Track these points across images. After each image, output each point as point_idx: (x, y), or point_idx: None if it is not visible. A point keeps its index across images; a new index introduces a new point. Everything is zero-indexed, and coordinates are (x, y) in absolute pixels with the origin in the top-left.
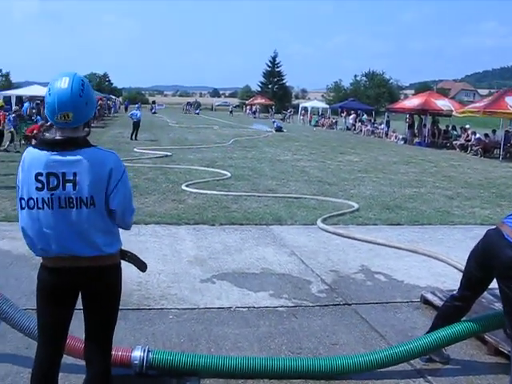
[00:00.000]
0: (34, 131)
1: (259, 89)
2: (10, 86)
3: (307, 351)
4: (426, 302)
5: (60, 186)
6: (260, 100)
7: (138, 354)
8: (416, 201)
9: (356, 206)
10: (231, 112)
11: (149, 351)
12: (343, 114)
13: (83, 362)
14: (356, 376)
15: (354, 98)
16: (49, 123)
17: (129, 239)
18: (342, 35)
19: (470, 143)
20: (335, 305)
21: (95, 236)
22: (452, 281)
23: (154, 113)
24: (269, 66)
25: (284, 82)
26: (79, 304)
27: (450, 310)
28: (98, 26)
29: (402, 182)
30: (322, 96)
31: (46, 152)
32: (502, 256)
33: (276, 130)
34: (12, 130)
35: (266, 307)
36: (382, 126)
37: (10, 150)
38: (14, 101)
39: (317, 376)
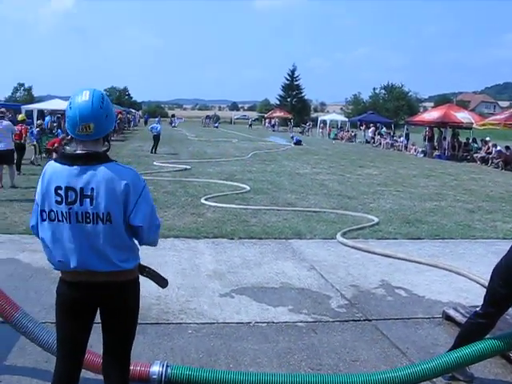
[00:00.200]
0: (55, 145)
1: (278, 102)
2: (32, 100)
3: (327, 368)
4: (447, 318)
5: (78, 201)
6: (279, 113)
7: (156, 369)
8: (436, 214)
9: (376, 219)
10: (250, 125)
11: (167, 366)
12: (362, 127)
13: (102, 377)
14: None
15: (372, 111)
16: (69, 136)
17: (147, 253)
18: (362, 48)
19: (490, 156)
20: (355, 320)
21: (111, 251)
22: (474, 296)
23: (174, 126)
24: (287, 80)
25: (303, 95)
26: (98, 318)
27: (474, 327)
28: (120, 41)
29: (422, 196)
30: (341, 109)
31: (66, 166)
32: None
33: (295, 144)
34: (35, 143)
35: (286, 322)
36: (402, 138)
37: (35, 162)
38: (35, 115)
39: None
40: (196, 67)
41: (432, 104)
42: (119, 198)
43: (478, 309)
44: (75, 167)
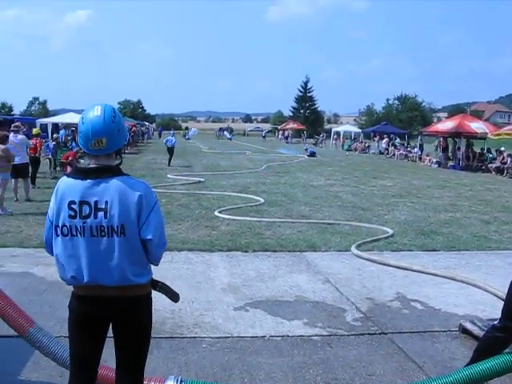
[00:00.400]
0: (70, 158)
1: (291, 114)
2: (47, 113)
3: (343, 382)
4: (464, 331)
5: (92, 215)
6: (292, 125)
7: None
8: (452, 226)
9: (390, 231)
10: (264, 137)
11: (182, 381)
12: (376, 138)
13: None
14: None
15: (386, 122)
16: (83, 150)
17: (161, 266)
18: (375, 59)
19: (505, 166)
20: (371, 334)
21: (125, 265)
22: (491, 309)
23: (188, 139)
24: (301, 91)
25: (316, 106)
26: (111, 332)
27: (491, 342)
28: (134, 54)
29: (436, 207)
30: (355, 120)
31: (80, 180)
32: None
33: (309, 156)
34: (50, 156)
35: (301, 336)
36: (416, 149)
37: (50, 176)
38: (50, 128)
39: None
40: (209, 80)
41: (446, 114)
42: (133, 210)
43: (495, 322)
44: (88, 181)
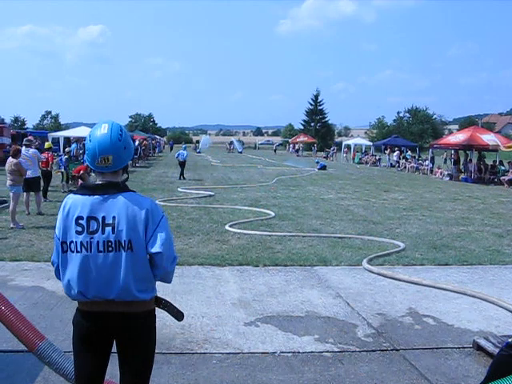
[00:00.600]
0: (81, 171)
1: (302, 127)
2: (59, 127)
3: None
4: (479, 348)
5: (99, 230)
6: (303, 138)
7: None
8: (464, 239)
9: (402, 245)
10: (275, 150)
11: None
12: (387, 151)
13: None
14: None
15: (397, 135)
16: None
17: (172, 281)
18: (386, 72)
19: None
20: (382, 350)
21: (131, 281)
22: (505, 325)
23: (199, 153)
24: (311, 105)
25: (326, 119)
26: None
27: (506, 359)
28: (145, 68)
29: (448, 220)
30: (365, 133)
31: (87, 196)
32: None
33: (319, 169)
34: (63, 170)
35: (311, 352)
36: (427, 162)
37: (62, 189)
38: (61, 142)
39: None
40: (220, 93)
41: (457, 126)
42: (139, 225)
43: (510, 339)
44: (96, 197)
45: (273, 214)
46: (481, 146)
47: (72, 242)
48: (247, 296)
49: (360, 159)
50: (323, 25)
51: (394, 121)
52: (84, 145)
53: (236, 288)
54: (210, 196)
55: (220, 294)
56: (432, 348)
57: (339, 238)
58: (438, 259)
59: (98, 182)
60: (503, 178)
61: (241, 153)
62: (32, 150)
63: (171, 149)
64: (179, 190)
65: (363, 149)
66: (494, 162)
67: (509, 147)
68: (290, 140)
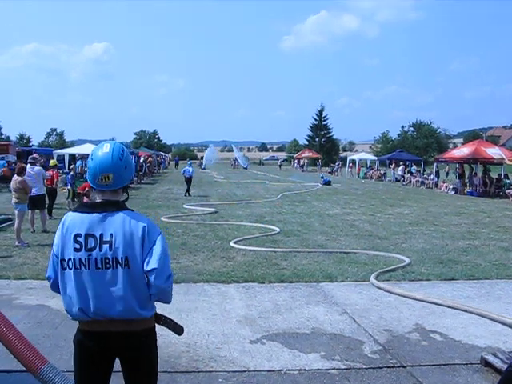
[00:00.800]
0: (86, 189)
1: (306, 142)
2: (64, 144)
3: None
4: (487, 364)
5: (97, 247)
6: (308, 153)
7: None
8: (470, 254)
9: (407, 260)
10: (280, 166)
11: None
12: (392, 166)
13: None
14: None
15: (402, 149)
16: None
17: (177, 298)
18: (389, 87)
19: None
20: (389, 367)
21: (130, 298)
22: None
23: (204, 169)
24: (316, 120)
25: (331, 134)
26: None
27: None
28: (149, 85)
29: (454, 235)
30: (370, 148)
31: (86, 214)
32: None
33: (324, 184)
34: (69, 187)
35: (318, 370)
36: (432, 176)
37: (70, 206)
38: (67, 159)
39: None
40: (224, 109)
41: (461, 140)
42: (136, 243)
43: None
44: (95, 215)
45: (278, 229)
46: (486, 160)
47: (70, 259)
48: (253, 313)
49: (365, 174)
50: (327, 40)
51: (399, 135)
52: None
53: (242, 305)
54: (216, 212)
55: (226, 311)
56: (439, 364)
57: (345, 253)
58: (444, 274)
59: (98, 200)
60: (508, 191)
61: (246, 168)
62: (37, 168)
63: (177, 165)
64: (184, 206)
65: (368, 163)
66: (499, 175)
67: None
68: (294, 155)
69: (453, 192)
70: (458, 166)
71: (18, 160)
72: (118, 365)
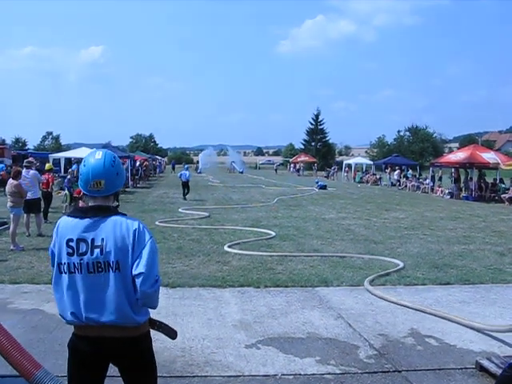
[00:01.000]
0: (82, 193)
1: (302, 146)
2: (59, 147)
3: None
4: (481, 368)
5: (88, 252)
6: (304, 158)
7: None
8: (465, 258)
9: (401, 264)
10: (276, 170)
11: None
12: (387, 170)
13: None
14: None
15: (397, 154)
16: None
17: (173, 303)
18: (386, 91)
19: None
20: (384, 372)
21: (123, 302)
22: (508, 345)
23: (199, 173)
24: (312, 124)
25: (327, 139)
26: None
27: (510, 380)
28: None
29: (449, 239)
30: (366, 152)
31: (78, 219)
32: None
33: (319, 189)
34: (66, 192)
35: (313, 374)
36: (427, 180)
37: (67, 210)
38: (62, 163)
39: None
40: (220, 113)
41: (457, 145)
42: (127, 247)
43: None
44: (86, 219)
45: (273, 234)
46: (481, 164)
47: (64, 263)
48: (248, 318)
49: (361, 178)
50: (323, 44)
51: (395, 139)
52: None
53: (237, 310)
54: (211, 216)
55: (221, 315)
56: (434, 369)
57: (340, 257)
58: (439, 278)
59: (89, 205)
60: (504, 195)
61: (242, 173)
62: (32, 172)
63: (173, 168)
64: (180, 210)
65: (364, 168)
66: (495, 179)
67: (509, 165)
68: (290, 160)
69: (448, 196)
70: (453, 170)
71: (13, 163)
72: (112, 369)
